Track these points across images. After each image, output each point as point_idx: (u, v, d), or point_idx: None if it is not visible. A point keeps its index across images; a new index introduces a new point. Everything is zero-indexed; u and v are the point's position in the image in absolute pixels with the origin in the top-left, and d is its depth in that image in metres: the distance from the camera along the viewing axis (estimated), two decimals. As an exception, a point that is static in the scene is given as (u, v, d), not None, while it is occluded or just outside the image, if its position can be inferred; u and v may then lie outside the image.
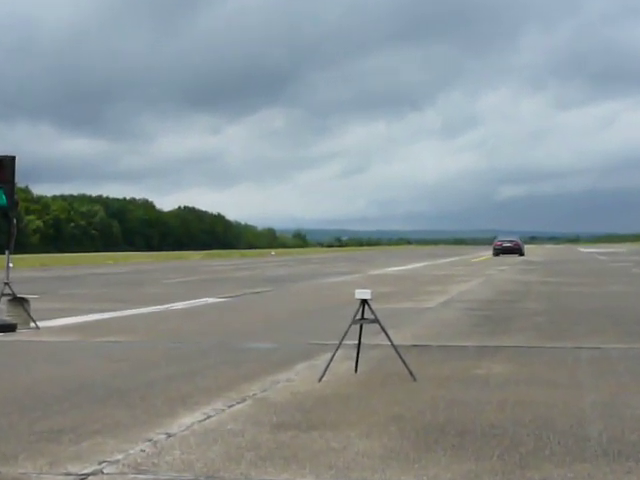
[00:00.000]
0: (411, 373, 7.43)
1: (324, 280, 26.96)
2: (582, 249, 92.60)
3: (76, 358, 9.25)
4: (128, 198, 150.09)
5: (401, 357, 7.52)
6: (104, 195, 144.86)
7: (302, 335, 11.13)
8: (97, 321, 13.38)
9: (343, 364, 8.14)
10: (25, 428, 5.64)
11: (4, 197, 11.58)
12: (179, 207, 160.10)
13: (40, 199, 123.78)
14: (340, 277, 28.83)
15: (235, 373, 7.97)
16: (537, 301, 16.85)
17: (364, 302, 7.46)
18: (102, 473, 4.60)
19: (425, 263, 45.07)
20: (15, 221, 12.07)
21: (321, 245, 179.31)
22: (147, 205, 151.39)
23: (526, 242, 69.18)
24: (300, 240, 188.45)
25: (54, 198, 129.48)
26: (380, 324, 7.48)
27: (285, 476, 4.51)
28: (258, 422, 5.78)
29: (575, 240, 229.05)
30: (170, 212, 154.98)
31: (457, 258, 56.20)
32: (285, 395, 6.80)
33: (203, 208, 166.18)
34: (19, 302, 12.03)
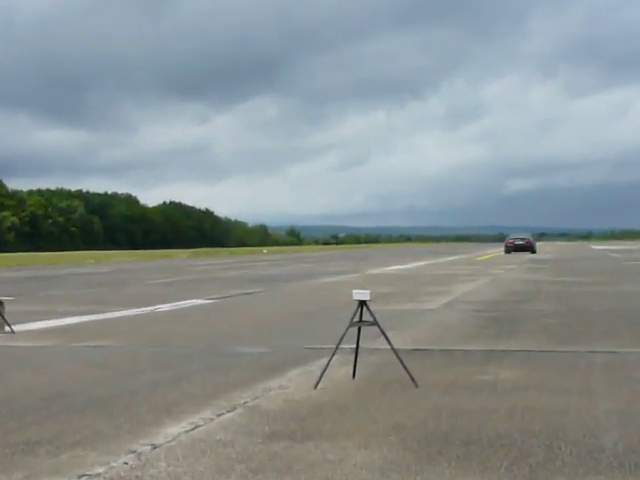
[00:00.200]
0: (413, 379, 7.43)
1: (319, 280, 26.99)
2: (594, 246, 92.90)
3: (54, 364, 9.23)
4: (110, 193, 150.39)
5: (402, 362, 7.52)
6: (84, 190, 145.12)
7: (296, 339, 11.13)
8: (77, 324, 13.37)
9: (340, 370, 8.15)
10: (-1, 439, 5.63)
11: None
12: (164, 202, 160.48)
13: (15, 194, 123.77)
14: (336, 277, 28.88)
15: (224, 379, 7.96)
16: (547, 302, 16.87)
17: (362, 303, 7.46)
18: (82, 487, 4.60)
19: (427, 262, 45.20)
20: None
21: (316, 243, 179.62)
22: (130, 200, 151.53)
23: (535, 239, 69.75)
24: (294, 237, 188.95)
25: (30, 193, 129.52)
26: (379, 327, 7.48)
27: (278, 490, 4.51)
28: (249, 432, 5.77)
29: (587, 236, 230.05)
30: (155, 208, 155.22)
31: (461, 256, 56.34)
32: (278, 403, 6.80)
33: (190, 203, 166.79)
34: (-7, 304, 12.02)
